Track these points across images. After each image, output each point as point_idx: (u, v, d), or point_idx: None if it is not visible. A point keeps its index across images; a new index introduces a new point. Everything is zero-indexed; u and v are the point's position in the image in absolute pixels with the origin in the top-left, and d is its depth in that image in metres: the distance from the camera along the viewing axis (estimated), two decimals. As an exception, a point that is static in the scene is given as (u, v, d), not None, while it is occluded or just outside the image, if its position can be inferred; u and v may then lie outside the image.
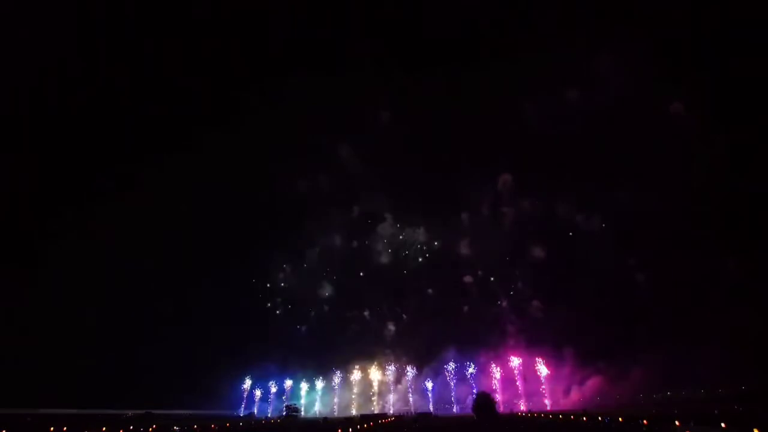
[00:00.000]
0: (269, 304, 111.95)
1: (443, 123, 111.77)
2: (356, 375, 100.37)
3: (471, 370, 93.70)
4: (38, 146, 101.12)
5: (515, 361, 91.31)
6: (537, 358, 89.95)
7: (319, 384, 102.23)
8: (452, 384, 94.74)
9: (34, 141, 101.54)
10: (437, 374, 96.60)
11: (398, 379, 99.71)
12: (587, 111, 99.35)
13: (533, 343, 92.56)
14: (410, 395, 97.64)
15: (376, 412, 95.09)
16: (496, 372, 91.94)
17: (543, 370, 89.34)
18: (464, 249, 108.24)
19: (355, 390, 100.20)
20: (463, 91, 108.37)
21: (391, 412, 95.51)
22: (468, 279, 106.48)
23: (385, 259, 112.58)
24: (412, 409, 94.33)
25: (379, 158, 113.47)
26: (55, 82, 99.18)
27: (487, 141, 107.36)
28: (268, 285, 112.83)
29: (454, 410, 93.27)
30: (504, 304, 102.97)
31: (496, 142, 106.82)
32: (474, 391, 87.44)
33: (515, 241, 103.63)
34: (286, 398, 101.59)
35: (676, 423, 33.77)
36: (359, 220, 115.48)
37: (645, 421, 37.94)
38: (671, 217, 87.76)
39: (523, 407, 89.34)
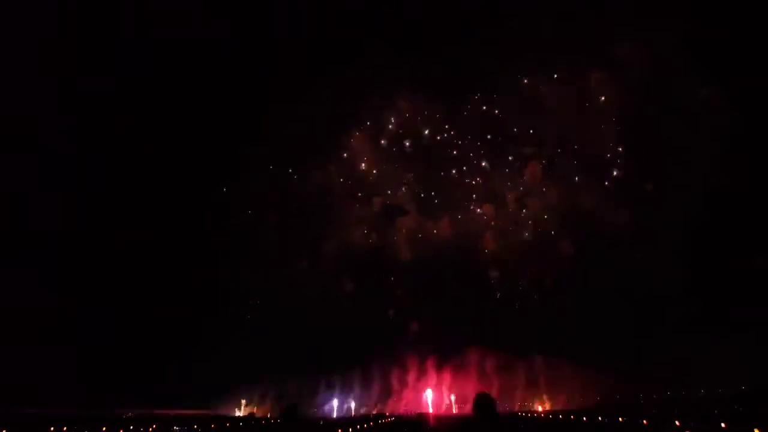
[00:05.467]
0: (285, 303, 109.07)
1: (465, 110, 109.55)
2: (373, 373, 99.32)
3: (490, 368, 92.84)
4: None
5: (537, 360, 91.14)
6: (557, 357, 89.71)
7: (334, 383, 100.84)
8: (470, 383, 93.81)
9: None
10: (457, 372, 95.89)
11: (417, 378, 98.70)
12: (614, 100, 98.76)
13: (556, 341, 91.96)
14: (426, 394, 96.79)
15: (375, 412, 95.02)
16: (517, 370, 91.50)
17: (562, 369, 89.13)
18: (489, 243, 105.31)
19: (370, 389, 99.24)
20: (483, 75, 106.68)
21: (391, 412, 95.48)
22: (494, 274, 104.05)
23: (406, 254, 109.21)
24: (412, 409, 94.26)
25: (397, 148, 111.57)
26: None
27: (511, 129, 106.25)
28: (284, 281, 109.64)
29: (454, 410, 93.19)
30: (530, 300, 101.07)
31: (520, 131, 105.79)
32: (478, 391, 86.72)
33: (542, 235, 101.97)
34: (288, 398, 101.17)
35: (676, 423, 33.80)
36: (380, 214, 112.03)
37: (645, 421, 37.96)
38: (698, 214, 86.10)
39: (521, 407, 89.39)
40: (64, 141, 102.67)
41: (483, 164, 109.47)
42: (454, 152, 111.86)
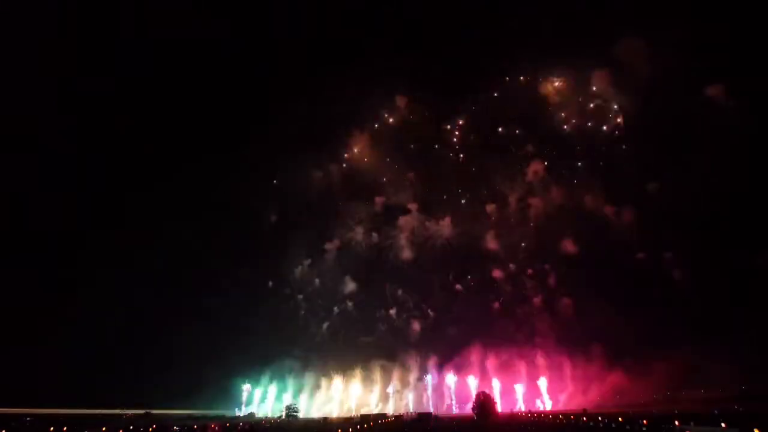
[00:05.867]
0: (288, 303, 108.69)
1: (466, 110, 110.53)
2: (376, 374, 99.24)
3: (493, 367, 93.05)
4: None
5: (540, 360, 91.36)
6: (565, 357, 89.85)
7: (338, 383, 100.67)
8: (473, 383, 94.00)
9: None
10: (458, 372, 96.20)
11: (418, 378, 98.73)
12: (619, 99, 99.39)
13: (557, 341, 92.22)
14: (428, 395, 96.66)
15: (375, 412, 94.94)
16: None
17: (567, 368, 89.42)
18: (491, 242, 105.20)
19: (374, 389, 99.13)
20: (483, 75, 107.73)
21: (391, 412, 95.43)
22: (497, 274, 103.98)
23: (408, 253, 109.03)
24: (412, 409, 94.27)
25: (398, 148, 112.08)
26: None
27: (513, 128, 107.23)
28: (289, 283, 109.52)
29: (454, 410, 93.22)
30: (533, 300, 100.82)
31: (525, 130, 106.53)
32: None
33: (544, 234, 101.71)
34: (288, 398, 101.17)
35: (676, 423, 33.81)
36: (382, 213, 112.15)
37: (645, 421, 37.97)
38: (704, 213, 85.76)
39: (523, 407, 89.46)
40: (64, 141, 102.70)
41: (484, 164, 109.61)
42: (455, 152, 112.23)
